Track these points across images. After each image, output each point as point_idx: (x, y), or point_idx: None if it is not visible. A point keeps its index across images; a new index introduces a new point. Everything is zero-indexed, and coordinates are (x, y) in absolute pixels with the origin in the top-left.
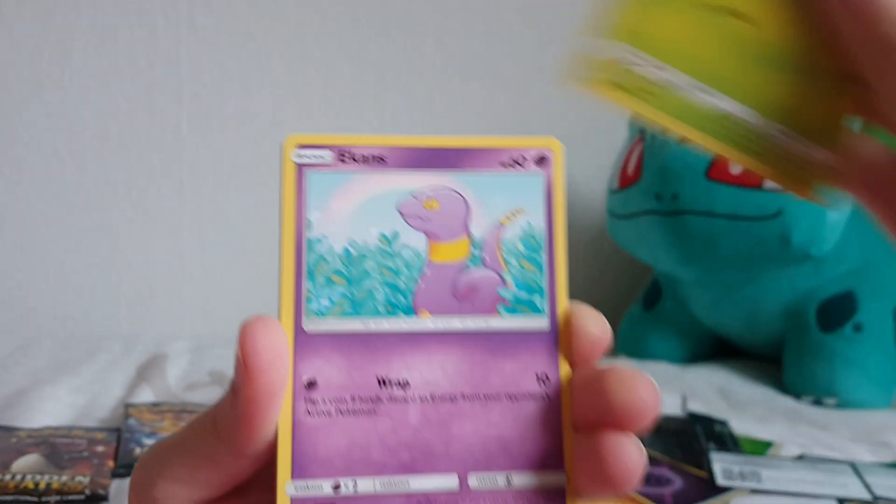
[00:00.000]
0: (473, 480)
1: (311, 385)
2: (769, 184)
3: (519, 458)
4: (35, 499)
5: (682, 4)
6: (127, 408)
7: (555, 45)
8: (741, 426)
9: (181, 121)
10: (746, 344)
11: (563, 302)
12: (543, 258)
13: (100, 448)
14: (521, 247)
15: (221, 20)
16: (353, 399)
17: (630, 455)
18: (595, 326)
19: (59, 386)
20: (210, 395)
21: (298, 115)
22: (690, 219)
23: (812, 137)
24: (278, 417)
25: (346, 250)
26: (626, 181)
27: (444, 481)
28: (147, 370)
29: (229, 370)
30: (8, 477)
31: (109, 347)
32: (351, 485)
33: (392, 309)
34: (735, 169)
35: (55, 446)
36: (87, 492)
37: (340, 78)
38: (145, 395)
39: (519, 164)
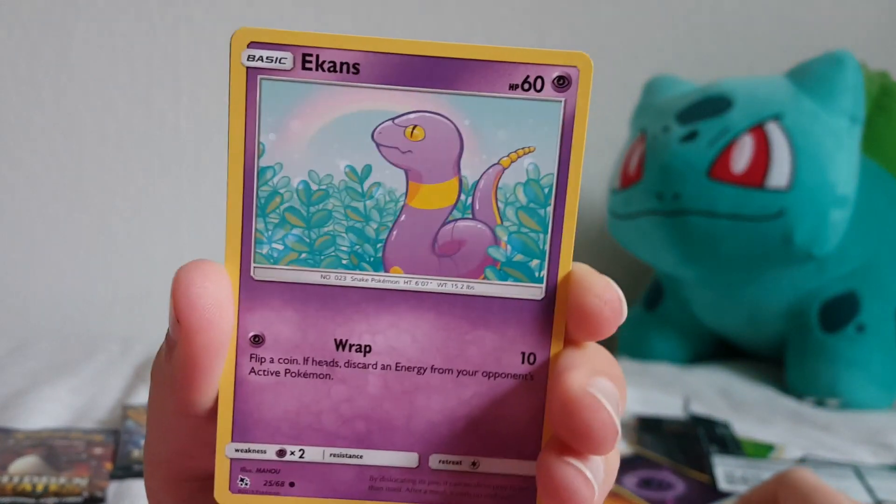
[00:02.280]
0: (434, 461)
1: (258, 340)
2: (771, 183)
3: (489, 442)
4: (32, 501)
5: None
6: (125, 409)
7: (555, 45)
8: (743, 428)
9: (180, 120)
10: (748, 344)
11: (565, 270)
12: (549, 213)
13: (98, 450)
14: (522, 196)
15: (221, 20)
16: (305, 360)
17: (576, 489)
18: (601, 299)
19: (56, 387)
20: None
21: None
22: (692, 219)
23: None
24: (220, 374)
25: (306, 184)
26: (628, 181)
27: (402, 458)
28: (145, 371)
29: None
30: (5, 479)
31: (107, 348)
32: (298, 452)
33: (357, 261)
34: (737, 168)
35: (53, 448)
36: (85, 494)
37: None
38: (144, 397)
39: (533, 86)
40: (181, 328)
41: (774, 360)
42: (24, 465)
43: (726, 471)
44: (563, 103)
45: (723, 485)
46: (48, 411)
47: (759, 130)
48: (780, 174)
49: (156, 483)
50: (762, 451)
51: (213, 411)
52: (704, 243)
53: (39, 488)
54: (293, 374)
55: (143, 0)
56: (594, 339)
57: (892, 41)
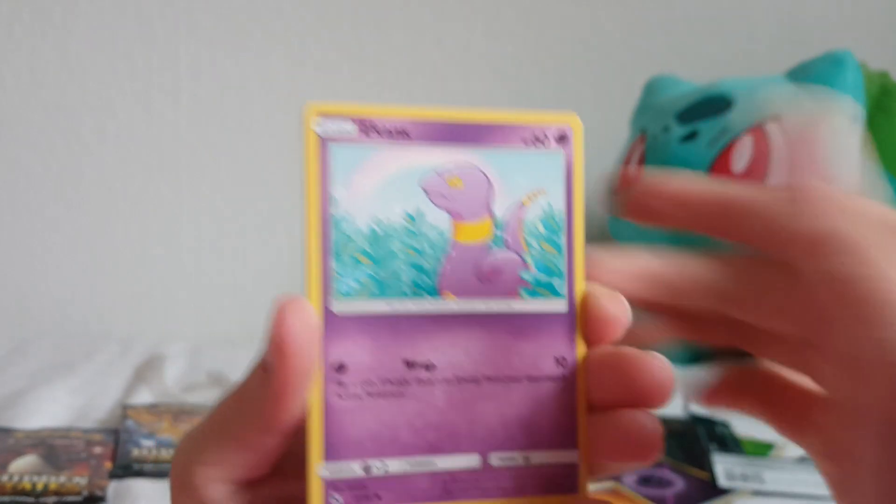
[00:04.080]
0: (494, 459)
1: (341, 367)
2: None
3: (536, 437)
4: (32, 500)
5: None
6: (125, 409)
7: (555, 45)
8: (743, 427)
9: (179, 120)
10: None
11: (580, 284)
12: (563, 240)
13: (97, 449)
14: (541, 228)
15: (221, 20)
16: (380, 381)
17: (649, 427)
18: (612, 308)
19: (56, 387)
20: (208, 396)
21: (298, 116)
22: None
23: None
24: (306, 397)
25: (372, 229)
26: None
27: (467, 460)
28: (145, 371)
29: (228, 371)
30: (5, 478)
31: (107, 348)
32: (382, 466)
33: (417, 290)
34: (737, 168)
35: (53, 447)
36: (85, 493)
37: (340, 78)
38: (143, 397)
39: (540, 141)
40: (280, 351)
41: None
42: (23, 465)
43: (726, 468)
44: (564, 154)
45: (722, 482)
46: (48, 411)
47: (759, 130)
48: (780, 174)
49: (201, 481)
50: (762, 449)
51: (290, 433)
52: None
53: (39, 487)
54: (371, 395)
55: (143, 1)
56: (609, 341)
57: (892, 41)
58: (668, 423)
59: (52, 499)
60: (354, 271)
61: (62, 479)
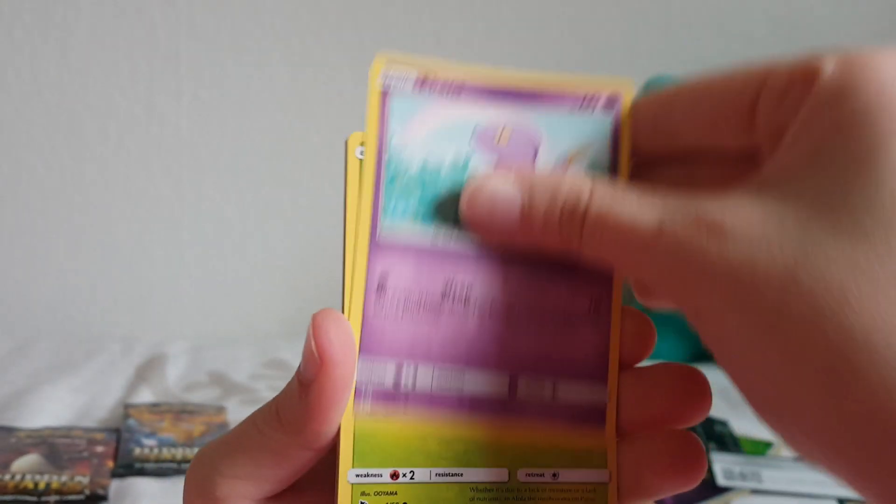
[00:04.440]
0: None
1: (381, 288)
2: None
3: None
4: (34, 499)
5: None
6: (126, 408)
7: (555, 45)
8: (741, 426)
9: (181, 120)
10: None
11: (617, 305)
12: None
13: (99, 448)
14: None
15: (221, 20)
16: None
17: (693, 447)
18: (641, 325)
19: (58, 386)
20: (209, 396)
21: (298, 115)
22: None
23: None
24: (344, 411)
25: (423, 167)
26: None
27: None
28: (146, 370)
29: (229, 370)
30: (7, 477)
31: (109, 348)
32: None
33: (460, 226)
34: None
35: (54, 446)
36: (87, 492)
37: (340, 78)
38: (145, 396)
39: (589, 105)
40: (321, 364)
41: None
42: (26, 464)
43: (724, 467)
44: (612, 116)
45: (721, 481)
46: (50, 410)
47: None
48: None
49: (226, 494)
50: (760, 448)
51: (324, 448)
52: None
53: (41, 486)
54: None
55: (144, 1)
56: (640, 358)
57: (891, 42)
58: None
59: (54, 497)
60: (404, 199)
61: (64, 478)
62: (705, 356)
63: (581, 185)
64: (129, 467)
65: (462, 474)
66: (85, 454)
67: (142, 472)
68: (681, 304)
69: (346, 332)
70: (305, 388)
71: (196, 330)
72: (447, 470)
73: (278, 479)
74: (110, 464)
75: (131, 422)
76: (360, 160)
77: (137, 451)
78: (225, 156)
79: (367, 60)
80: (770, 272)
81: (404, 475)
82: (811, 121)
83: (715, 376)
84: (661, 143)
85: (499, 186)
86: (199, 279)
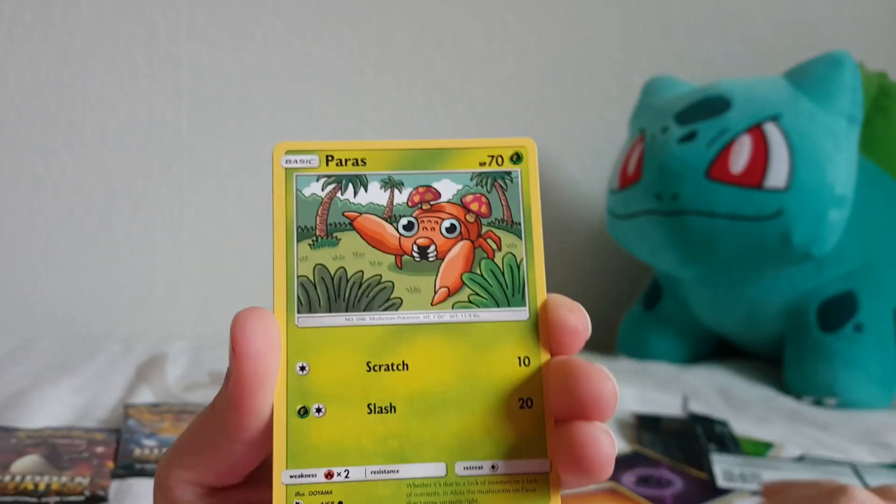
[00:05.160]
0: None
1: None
2: (769, 183)
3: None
4: (35, 500)
5: (344, 402)
6: (126, 408)
7: (555, 45)
8: (742, 427)
9: (181, 121)
10: (747, 344)
11: (542, 294)
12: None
13: (99, 449)
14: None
15: (221, 20)
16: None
17: (602, 442)
18: (572, 317)
19: (58, 386)
20: (209, 396)
21: (298, 116)
22: (690, 218)
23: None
24: (268, 404)
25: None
26: (627, 181)
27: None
28: (147, 370)
29: None
30: (7, 478)
31: (109, 348)
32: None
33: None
34: (735, 168)
35: (55, 447)
36: (87, 493)
37: (340, 78)
38: (145, 396)
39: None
40: (235, 356)
41: (773, 360)
42: (26, 464)
43: (724, 468)
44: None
45: (721, 482)
46: (50, 410)
47: (757, 131)
48: (778, 174)
49: (177, 483)
50: (760, 449)
51: (255, 441)
52: (703, 243)
53: (41, 487)
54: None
55: (144, 2)
56: (570, 351)
57: (890, 42)
58: (666, 422)
59: (54, 498)
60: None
61: (64, 478)
62: (705, 356)
63: None
64: (129, 468)
65: (398, 471)
66: (85, 455)
67: (142, 473)
68: None
69: (264, 328)
70: (226, 380)
71: (196, 330)
72: (382, 467)
73: (217, 471)
74: (110, 464)
75: (131, 422)
76: (286, 169)
77: (138, 451)
78: (225, 156)
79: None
80: None
81: (339, 474)
82: None
83: (713, 376)
84: None
85: None
86: (200, 279)
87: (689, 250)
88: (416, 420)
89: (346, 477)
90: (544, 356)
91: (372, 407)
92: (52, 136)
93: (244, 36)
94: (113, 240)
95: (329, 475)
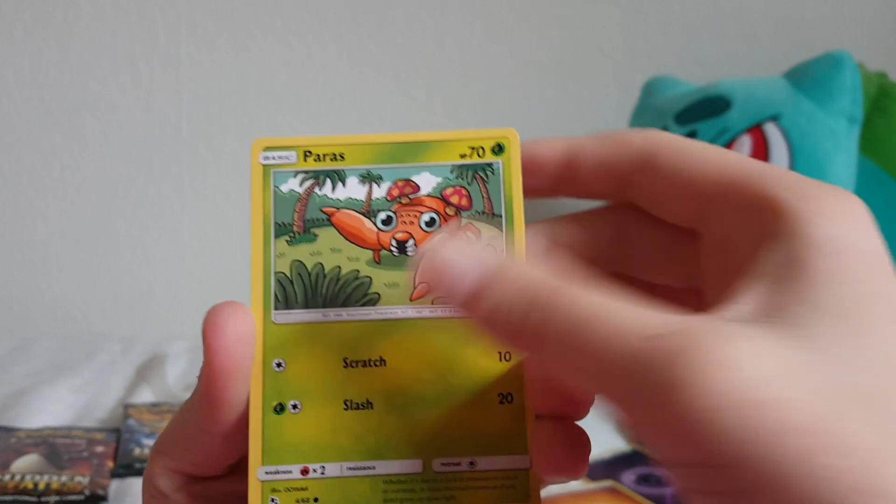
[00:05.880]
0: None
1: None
2: None
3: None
4: (34, 499)
5: (318, 397)
6: (126, 408)
7: (555, 45)
8: None
9: (181, 121)
10: None
11: None
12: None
13: (99, 448)
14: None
15: (221, 20)
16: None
17: (577, 440)
18: None
19: (58, 386)
20: None
21: (298, 116)
22: None
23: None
24: (241, 398)
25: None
26: None
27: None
28: (146, 370)
29: None
30: (7, 477)
31: (109, 348)
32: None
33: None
34: None
35: (54, 446)
36: (87, 492)
37: (340, 78)
38: (145, 396)
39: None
40: (206, 349)
41: None
42: (25, 464)
43: None
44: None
45: None
46: (50, 410)
47: (757, 131)
48: None
49: (159, 471)
50: None
51: (230, 434)
52: None
53: (41, 486)
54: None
55: (144, 2)
56: None
57: (890, 42)
58: None
59: (54, 498)
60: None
61: (64, 478)
62: None
63: (545, 287)
64: (129, 467)
65: (374, 467)
66: (85, 454)
67: (142, 473)
68: (653, 439)
69: (235, 323)
70: (200, 374)
71: (196, 330)
72: (358, 464)
73: (194, 461)
74: (110, 464)
75: (131, 422)
76: (263, 166)
77: (137, 451)
78: (225, 156)
79: (366, 60)
80: (799, 419)
81: (314, 470)
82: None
83: None
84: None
85: (455, 264)
86: (199, 279)
87: None
88: (393, 416)
89: (322, 473)
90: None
91: (349, 403)
92: (52, 136)
93: (244, 36)
94: (113, 240)
95: (305, 471)
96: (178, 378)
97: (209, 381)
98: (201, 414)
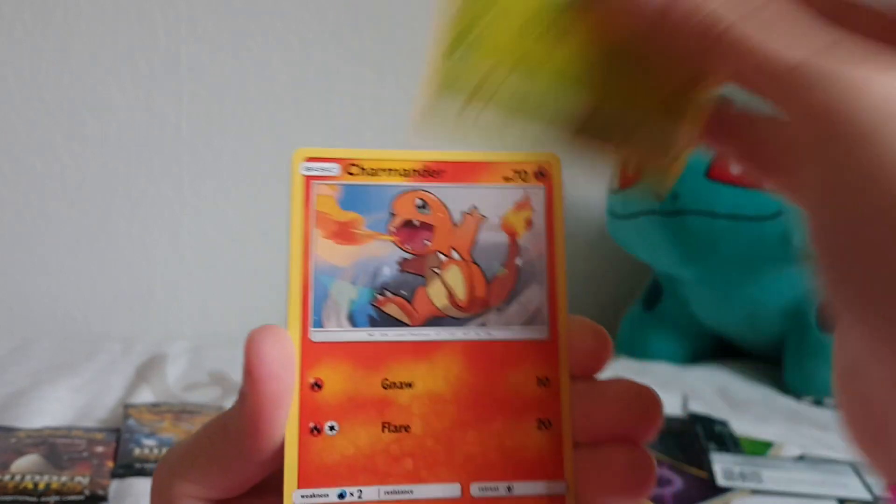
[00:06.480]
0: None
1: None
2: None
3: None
4: (34, 499)
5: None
6: (126, 408)
7: None
8: (741, 426)
9: (181, 121)
10: (747, 344)
11: (563, 313)
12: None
13: (99, 448)
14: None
15: (221, 20)
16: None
17: (643, 462)
18: (595, 339)
19: (58, 386)
20: (210, 396)
21: (298, 116)
22: (691, 219)
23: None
24: (283, 424)
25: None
26: (627, 181)
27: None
28: (146, 370)
29: (229, 370)
30: (7, 477)
31: (109, 348)
32: (356, 493)
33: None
34: (735, 169)
35: (54, 447)
36: (87, 492)
37: (340, 78)
38: (145, 396)
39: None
40: (251, 379)
41: (773, 360)
42: (25, 464)
43: (724, 467)
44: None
45: (721, 481)
46: (50, 410)
47: None
48: None
49: (177, 495)
50: (760, 448)
51: (268, 461)
52: (703, 243)
53: (41, 486)
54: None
55: (144, 2)
56: (591, 373)
57: None
58: (666, 421)
59: (54, 498)
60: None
61: (64, 478)
62: (705, 356)
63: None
64: (129, 467)
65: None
66: (85, 454)
67: (142, 473)
68: (793, 155)
69: (280, 348)
70: (242, 402)
71: (196, 329)
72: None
73: (226, 487)
74: (110, 464)
75: (131, 422)
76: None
77: (137, 451)
78: (225, 156)
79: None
80: None
81: (352, 494)
82: None
83: (713, 376)
84: None
85: None
86: (199, 279)
87: (690, 250)
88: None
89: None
90: (564, 377)
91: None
92: (52, 136)
93: (244, 36)
94: (113, 240)
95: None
96: (178, 378)
97: (256, 412)
98: (245, 442)
